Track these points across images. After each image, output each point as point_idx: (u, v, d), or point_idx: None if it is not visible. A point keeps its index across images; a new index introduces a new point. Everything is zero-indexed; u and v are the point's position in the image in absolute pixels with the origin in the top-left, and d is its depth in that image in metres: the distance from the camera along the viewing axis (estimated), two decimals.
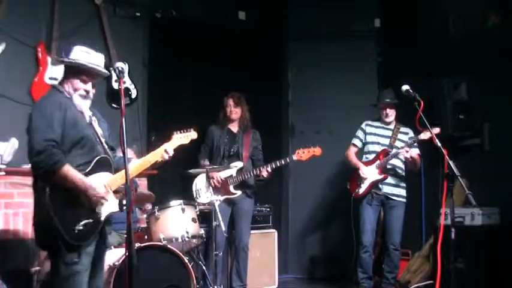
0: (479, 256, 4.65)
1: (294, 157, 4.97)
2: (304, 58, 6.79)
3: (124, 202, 2.80)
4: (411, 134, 5.10)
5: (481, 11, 5.21)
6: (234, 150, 5.16)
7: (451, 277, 3.83)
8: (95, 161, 3.12)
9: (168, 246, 4.11)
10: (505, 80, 4.98)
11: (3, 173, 4.47)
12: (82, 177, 3.03)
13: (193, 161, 5.07)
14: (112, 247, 3.98)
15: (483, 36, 5.15)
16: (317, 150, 4.96)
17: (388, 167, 5.11)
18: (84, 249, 3.05)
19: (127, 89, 5.49)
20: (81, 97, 3.19)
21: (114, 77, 5.28)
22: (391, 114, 5.21)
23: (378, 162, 5.09)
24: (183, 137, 3.57)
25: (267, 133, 5.72)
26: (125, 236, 3.05)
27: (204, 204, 4.83)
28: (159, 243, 4.13)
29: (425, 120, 3.79)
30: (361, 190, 5.11)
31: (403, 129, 5.22)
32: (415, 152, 5.03)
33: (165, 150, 3.41)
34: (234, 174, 5.05)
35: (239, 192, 5.08)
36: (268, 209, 5.85)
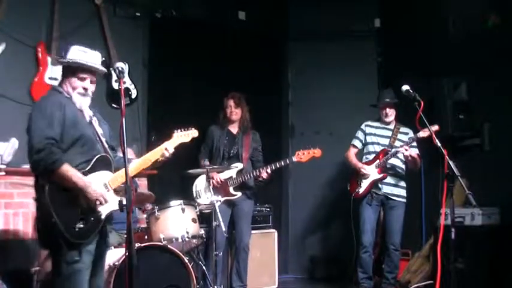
0: (479, 256, 4.65)
1: (294, 158, 4.97)
2: (304, 58, 6.79)
3: (124, 202, 2.80)
4: (411, 134, 5.09)
5: (481, 11, 5.21)
6: (233, 151, 5.15)
7: (451, 277, 3.83)
8: (94, 159, 3.13)
9: (168, 246, 4.11)
10: (505, 80, 4.98)
11: (3, 173, 4.47)
12: (81, 176, 3.04)
13: (193, 161, 5.06)
14: (112, 247, 3.97)
15: (483, 36, 5.15)
16: (317, 152, 4.96)
17: (388, 166, 5.11)
18: (85, 247, 3.05)
19: (127, 89, 5.49)
20: (80, 95, 3.20)
21: (114, 77, 5.29)
22: (390, 114, 5.21)
23: (377, 161, 5.09)
24: (183, 135, 3.57)
25: (267, 133, 5.72)
26: (125, 236, 3.05)
27: (204, 205, 4.82)
28: (159, 243, 4.13)
29: (425, 120, 3.80)
30: (361, 190, 5.11)
31: (403, 129, 5.21)
32: (414, 152, 5.03)
33: (166, 149, 3.41)
34: (234, 176, 5.05)
35: (239, 194, 5.08)
36: (268, 209, 5.85)
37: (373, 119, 5.37)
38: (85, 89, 3.21)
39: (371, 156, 5.21)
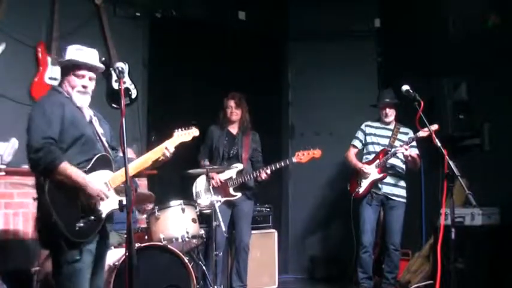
0: (479, 256, 4.65)
1: (294, 159, 4.96)
2: (304, 58, 6.79)
3: (124, 202, 2.80)
4: (411, 134, 5.09)
5: (481, 11, 5.21)
6: (233, 152, 5.15)
7: (451, 277, 3.83)
8: (95, 158, 3.13)
9: (168, 246, 4.11)
10: (505, 80, 4.98)
11: (3, 173, 4.47)
12: (81, 174, 3.04)
13: (193, 162, 5.06)
14: (112, 247, 3.97)
15: (483, 36, 5.15)
16: (317, 153, 4.96)
17: (388, 166, 5.11)
18: (85, 246, 3.05)
19: (127, 89, 5.49)
20: (79, 93, 3.21)
21: (114, 77, 5.29)
22: (390, 114, 5.21)
23: (377, 161, 5.09)
24: (184, 134, 3.55)
25: (267, 133, 5.72)
26: (125, 236, 3.05)
27: (204, 206, 4.82)
28: (159, 243, 4.13)
29: (425, 120, 3.80)
30: (361, 190, 5.11)
31: (403, 129, 5.21)
32: (414, 152, 5.03)
33: (166, 148, 3.40)
34: (234, 176, 5.04)
35: (239, 194, 5.07)
36: (268, 209, 5.85)
37: (373, 119, 5.37)
38: (84, 86, 3.21)
39: (371, 156, 5.21)
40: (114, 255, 3.90)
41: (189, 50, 5.97)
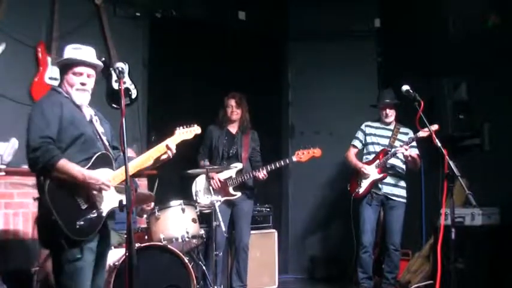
0: (479, 256, 4.65)
1: (294, 158, 4.96)
2: (304, 58, 6.79)
3: (124, 202, 2.80)
4: (411, 134, 5.09)
5: (481, 11, 5.21)
6: (233, 151, 5.15)
7: (451, 277, 3.83)
8: (95, 157, 3.13)
9: (168, 246, 4.11)
10: (505, 80, 4.98)
11: (3, 173, 4.47)
12: (80, 169, 3.03)
13: (193, 161, 5.06)
14: (112, 247, 3.97)
15: (483, 36, 5.15)
16: (317, 152, 4.96)
17: (388, 166, 5.11)
18: (86, 245, 3.04)
19: (127, 89, 5.49)
20: (78, 91, 3.20)
21: (114, 77, 5.29)
22: (391, 114, 5.21)
23: (377, 161, 5.09)
24: (186, 132, 3.52)
25: (267, 133, 5.73)
26: (125, 236, 3.04)
27: (204, 206, 4.82)
28: (159, 243, 4.13)
29: (425, 120, 3.79)
30: (361, 190, 5.11)
31: (403, 129, 5.21)
32: (414, 152, 5.03)
33: (167, 146, 3.39)
34: (234, 176, 5.05)
35: (239, 194, 5.07)
36: (268, 209, 5.85)
37: (373, 119, 5.37)
38: (82, 83, 3.20)
39: (371, 157, 5.21)
40: (114, 255, 3.89)
41: (189, 50, 5.97)
